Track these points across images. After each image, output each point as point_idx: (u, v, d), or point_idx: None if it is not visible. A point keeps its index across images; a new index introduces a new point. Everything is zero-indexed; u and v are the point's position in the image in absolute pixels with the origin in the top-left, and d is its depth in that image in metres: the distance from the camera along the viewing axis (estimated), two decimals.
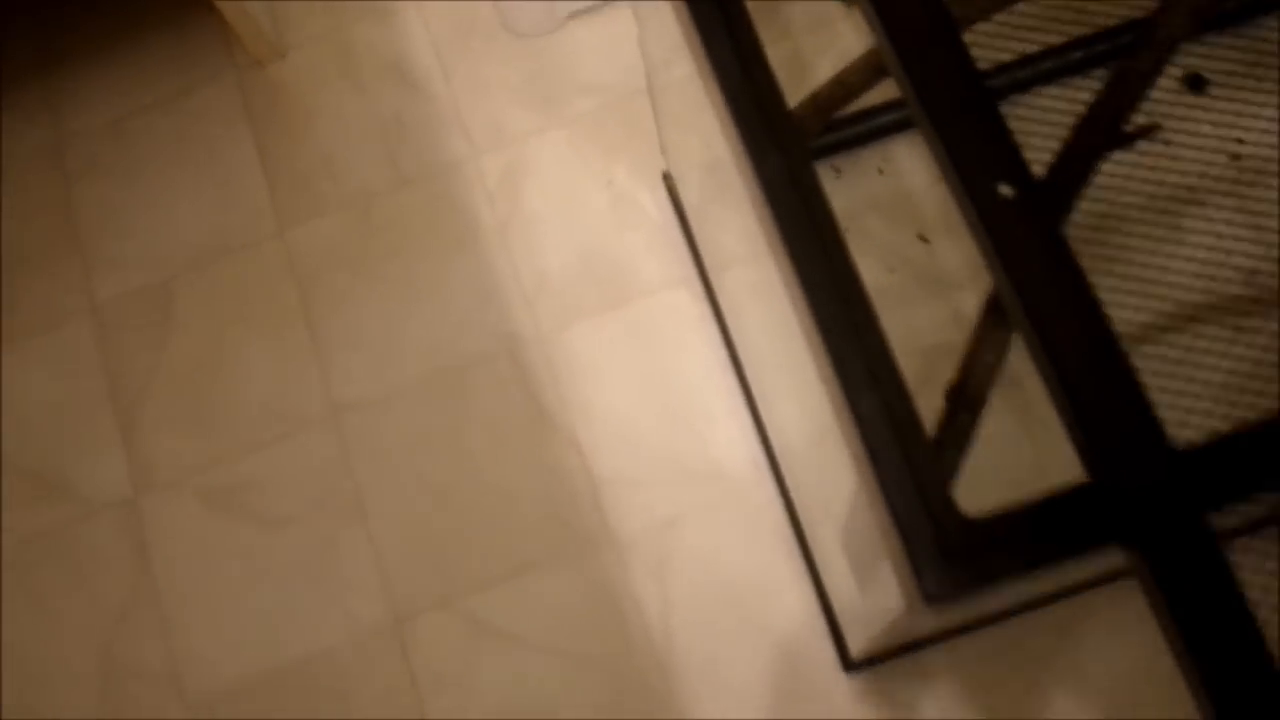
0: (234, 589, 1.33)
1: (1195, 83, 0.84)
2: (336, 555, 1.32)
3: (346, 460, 1.35)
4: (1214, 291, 1.18)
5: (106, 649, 1.33)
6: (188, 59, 1.56)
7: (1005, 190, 0.58)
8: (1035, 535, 0.54)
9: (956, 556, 0.54)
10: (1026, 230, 0.58)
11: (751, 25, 0.69)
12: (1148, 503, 0.54)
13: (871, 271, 1.35)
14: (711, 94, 0.69)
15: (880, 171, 1.38)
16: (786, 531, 1.26)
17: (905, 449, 0.56)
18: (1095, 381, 0.55)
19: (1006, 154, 0.59)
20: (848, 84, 1.16)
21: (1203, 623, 0.53)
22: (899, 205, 1.36)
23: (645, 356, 1.35)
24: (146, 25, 1.57)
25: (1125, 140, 0.88)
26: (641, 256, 1.39)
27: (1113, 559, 0.56)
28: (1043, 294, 0.56)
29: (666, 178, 1.39)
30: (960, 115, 0.61)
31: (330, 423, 1.36)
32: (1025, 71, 1.09)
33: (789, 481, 1.25)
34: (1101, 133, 0.86)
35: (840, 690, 1.21)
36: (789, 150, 0.63)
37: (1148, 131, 0.84)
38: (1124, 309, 0.81)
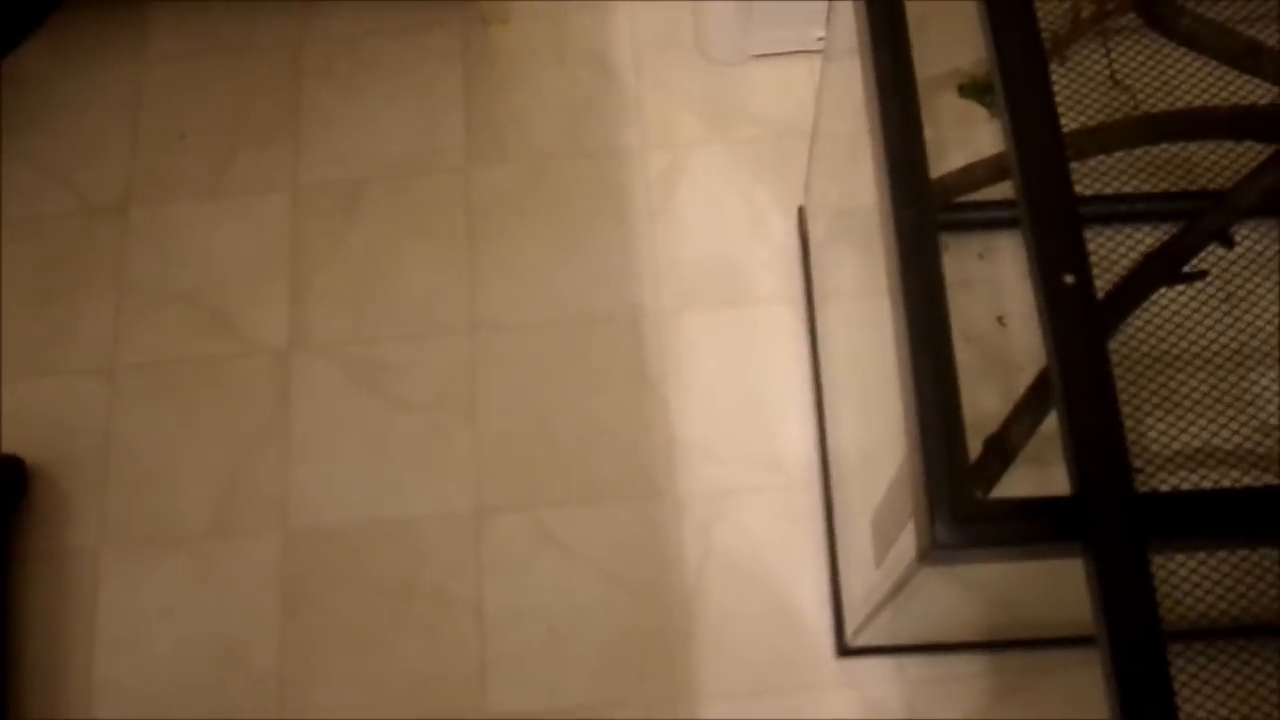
0: (351, 449, 1.57)
1: (1225, 239, 1.04)
2: (444, 445, 1.55)
3: (472, 369, 1.58)
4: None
5: (232, 468, 1.57)
6: (427, 2, 1.80)
7: (1069, 279, 0.79)
8: (1025, 520, 0.76)
9: (965, 519, 0.75)
10: (1078, 311, 0.79)
11: (918, 103, 0.91)
12: (1106, 522, 0.75)
13: None
14: (874, 148, 0.91)
15: (980, 257, 1.59)
16: (819, 529, 1.48)
17: (949, 440, 0.78)
18: (1093, 427, 0.76)
19: (1077, 253, 0.80)
20: (974, 175, 1.38)
21: (1123, 614, 0.74)
22: (988, 289, 1.57)
23: (741, 353, 1.57)
24: None
25: (1181, 278, 1.09)
26: (761, 271, 1.61)
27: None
28: (1076, 357, 0.78)
29: (801, 211, 1.61)
30: (1051, 218, 0.82)
31: (467, 335, 1.60)
32: (1114, 207, 1.30)
33: (834, 488, 1.47)
34: (1164, 265, 1.08)
35: (827, 668, 1.42)
36: (922, 207, 0.85)
37: (1199, 275, 1.05)
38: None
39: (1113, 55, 1.05)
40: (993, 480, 1.19)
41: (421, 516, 1.53)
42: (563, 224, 1.66)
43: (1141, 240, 1.10)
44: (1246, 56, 1.05)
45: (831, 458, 1.49)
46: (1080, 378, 0.78)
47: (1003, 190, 1.30)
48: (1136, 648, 0.73)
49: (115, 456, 1.59)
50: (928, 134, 0.96)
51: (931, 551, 0.77)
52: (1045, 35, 0.91)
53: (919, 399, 0.78)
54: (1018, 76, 0.88)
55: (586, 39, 1.77)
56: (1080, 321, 0.79)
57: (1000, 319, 1.55)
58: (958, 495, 0.76)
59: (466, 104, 1.74)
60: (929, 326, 0.82)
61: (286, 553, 1.53)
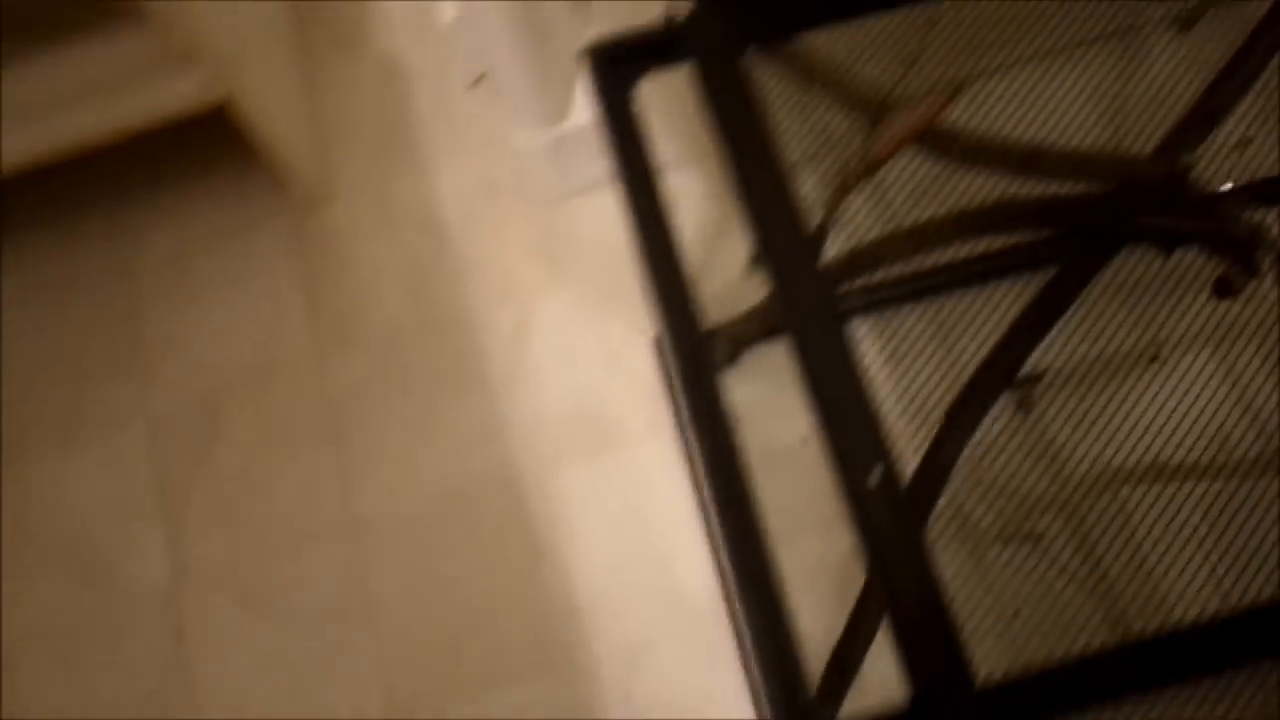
0: (256, 678, 1.53)
1: (1222, 288, 0.99)
2: (346, 653, 1.52)
3: (361, 568, 1.55)
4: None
5: None
6: (247, 198, 1.78)
7: (873, 477, 0.79)
8: None
9: None
10: (888, 511, 0.78)
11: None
12: None
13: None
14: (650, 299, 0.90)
15: None
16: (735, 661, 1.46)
17: (786, 679, 0.77)
18: (923, 629, 0.75)
19: (874, 445, 0.80)
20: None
21: None
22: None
23: (626, 496, 1.55)
24: (213, 169, 1.79)
25: (1017, 384, 1.10)
26: (627, 410, 1.59)
27: None
28: (896, 563, 0.77)
29: (656, 341, 1.60)
30: (845, 414, 0.82)
31: (348, 534, 1.57)
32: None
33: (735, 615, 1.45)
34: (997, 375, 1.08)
35: None
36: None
37: (1036, 379, 1.05)
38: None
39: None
40: (841, 695, 1.15)
41: None
42: (423, 400, 1.63)
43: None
44: (1028, 162, 1.06)
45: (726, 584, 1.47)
46: (904, 585, 0.77)
47: None
48: None
49: None
50: None
51: None
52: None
53: (756, 647, 0.77)
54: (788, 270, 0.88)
55: (411, 204, 1.75)
56: (892, 524, 0.78)
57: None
58: None
59: (307, 296, 1.71)
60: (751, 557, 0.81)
61: None
